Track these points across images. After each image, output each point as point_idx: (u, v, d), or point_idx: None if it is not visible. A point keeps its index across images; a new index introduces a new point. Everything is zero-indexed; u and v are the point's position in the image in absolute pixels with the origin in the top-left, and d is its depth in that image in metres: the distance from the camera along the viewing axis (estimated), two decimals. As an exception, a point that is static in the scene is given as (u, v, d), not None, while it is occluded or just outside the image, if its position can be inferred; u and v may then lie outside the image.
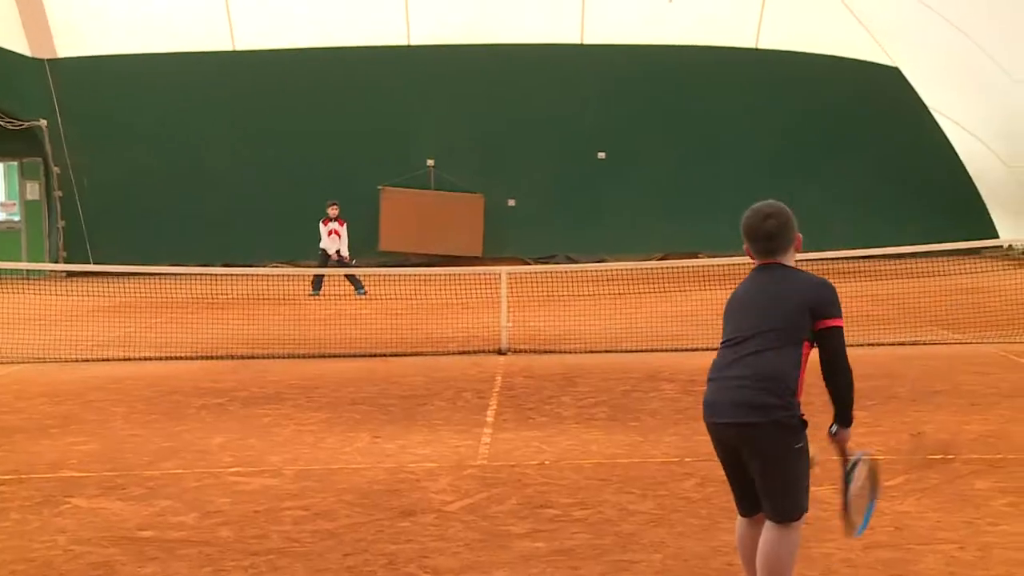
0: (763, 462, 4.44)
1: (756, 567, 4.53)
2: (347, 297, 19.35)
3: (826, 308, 4.47)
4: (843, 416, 4.53)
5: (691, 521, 6.21)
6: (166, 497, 6.91)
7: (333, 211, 20.81)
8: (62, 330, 14.96)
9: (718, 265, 17.62)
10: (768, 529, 4.50)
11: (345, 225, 20.91)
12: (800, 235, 4.63)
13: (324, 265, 20.49)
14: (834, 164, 26.16)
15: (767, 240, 4.60)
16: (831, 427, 4.57)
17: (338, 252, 20.66)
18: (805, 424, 4.44)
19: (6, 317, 15.37)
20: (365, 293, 19.69)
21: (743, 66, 26.07)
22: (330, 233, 20.82)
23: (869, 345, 12.73)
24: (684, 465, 7.52)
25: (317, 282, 20.29)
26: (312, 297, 19.83)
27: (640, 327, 14.50)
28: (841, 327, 4.49)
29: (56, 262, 25.78)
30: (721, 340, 4.62)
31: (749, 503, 4.59)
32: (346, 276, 20.13)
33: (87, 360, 13.24)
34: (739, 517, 4.67)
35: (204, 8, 25.77)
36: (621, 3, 25.82)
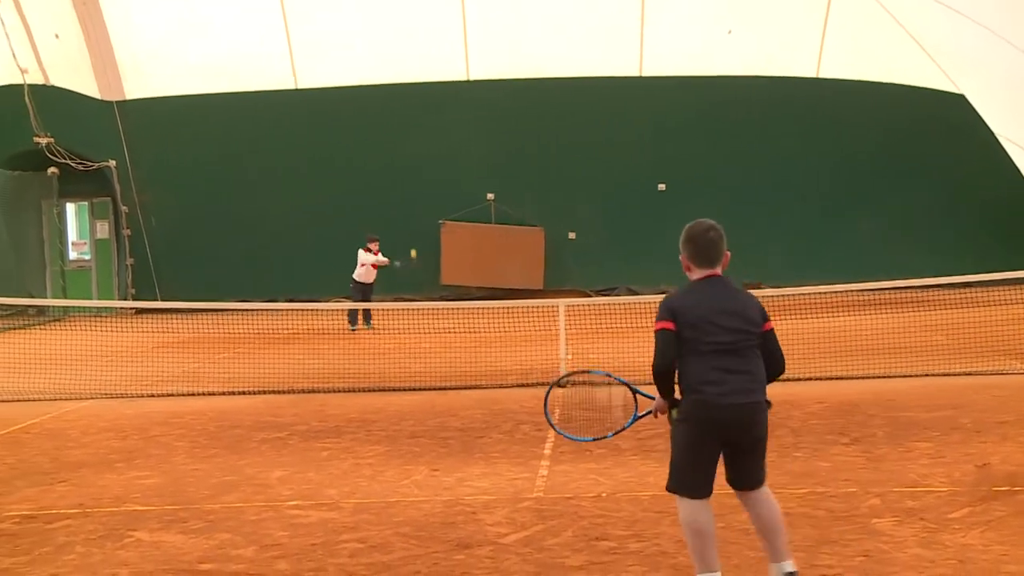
0: (757, 440, 5.25)
1: (770, 529, 5.29)
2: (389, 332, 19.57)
3: (765, 314, 5.30)
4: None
5: (747, 553, 6.16)
6: (226, 530, 6.98)
7: (374, 245, 21.31)
8: (129, 366, 15.19)
9: (779, 296, 17.53)
10: (767, 491, 5.33)
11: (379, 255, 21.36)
12: (729, 252, 5.35)
13: (358, 297, 20.86)
14: (897, 193, 25.88)
15: (711, 247, 5.33)
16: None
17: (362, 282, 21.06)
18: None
19: (76, 354, 15.64)
20: (356, 328, 19.95)
21: (803, 96, 25.92)
22: (374, 265, 21.19)
23: (934, 375, 12.56)
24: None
25: (367, 314, 20.59)
26: (366, 330, 20.03)
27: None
28: (773, 328, 5.33)
29: (125, 299, 26.21)
30: (699, 346, 5.21)
31: (710, 486, 5.25)
32: (363, 310, 20.34)
33: (152, 395, 13.42)
34: (700, 502, 5.24)
35: (267, 48, 26.16)
36: (680, 35, 25.82)
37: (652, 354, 5.33)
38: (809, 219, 26.22)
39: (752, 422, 5.22)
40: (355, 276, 21.19)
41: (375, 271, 21.22)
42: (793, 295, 16.82)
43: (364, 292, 21.10)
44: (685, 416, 5.30)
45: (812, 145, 26.00)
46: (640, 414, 6.03)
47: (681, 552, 6.21)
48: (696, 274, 5.36)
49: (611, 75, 26.12)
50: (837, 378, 12.93)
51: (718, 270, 5.33)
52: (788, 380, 12.80)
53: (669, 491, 5.36)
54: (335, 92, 26.28)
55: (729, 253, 5.35)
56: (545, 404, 6.47)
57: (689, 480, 5.27)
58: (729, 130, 26.25)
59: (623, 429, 6.21)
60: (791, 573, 5.29)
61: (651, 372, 5.40)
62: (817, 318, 16.39)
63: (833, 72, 25.91)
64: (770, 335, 5.32)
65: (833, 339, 14.90)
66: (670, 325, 5.27)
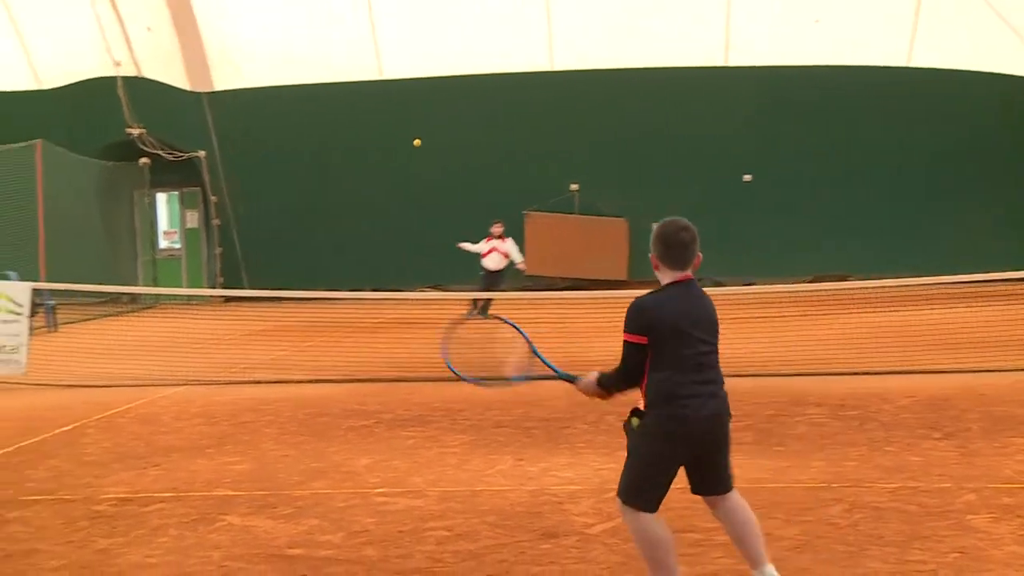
0: (724, 446, 5.22)
1: (745, 534, 5.22)
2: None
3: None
4: None
5: (836, 548, 6.09)
6: (314, 516, 7.06)
7: (496, 229, 21.04)
8: (218, 353, 15.43)
9: (869, 288, 17.28)
10: (737, 495, 5.28)
11: (507, 242, 21.10)
12: (701, 255, 5.16)
13: (486, 286, 20.62)
14: (993, 184, 25.35)
15: (683, 248, 5.09)
16: None
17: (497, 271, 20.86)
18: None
19: (167, 341, 15.93)
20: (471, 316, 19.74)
21: (894, 85, 25.48)
22: (488, 252, 20.98)
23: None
24: (831, 491, 7.38)
25: (484, 305, 20.37)
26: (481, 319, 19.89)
27: (787, 351, 14.28)
28: None
29: (214, 287, 26.64)
30: (675, 358, 5.02)
31: (662, 500, 5.10)
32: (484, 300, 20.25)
33: (241, 382, 13.62)
34: (654, 515, 5.07)
35: (353, 40, 26.39)
36: (767, 24, 25.55)
37: (619, 363, 5.21)
38: (898, 210, 25.79)
39: (724, 432, 5.21)
40: (482, 263, 21.03)
41: (501, 258, 20.87)
42: (882, 287, 16.57)
43: (487, 280, 20.83)
44: (655, 430, 5.06)
45: (905, 134, 25.57)
46: (533, 376, 5.95)
47: (768, 545, 6.14)
48: (667, 276, 5.14)
49: (697, 65, 25.92)
50: (928, 372, 12.71)
51: (689, 272, 5.14)
52: (878, 373, 12.68)
53: (624, 502, 5.11)
54: (419, 83, 26.42)
55: (701, 255, 5.16)
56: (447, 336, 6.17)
57: (648, 495, 5.07)
58: (817, 120, 25.91)
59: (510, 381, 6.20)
60: None
61: (613, 382, 5.31)
62: (907, 310, 16.14)
63: (926, 61, 25.44)
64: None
65: (923, 332, 14.66)
66: (643, 339, 5.05)
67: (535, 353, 5.96)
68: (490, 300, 19.96)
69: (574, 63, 26.23)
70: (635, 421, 5.15)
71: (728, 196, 26.04)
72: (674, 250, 5.10)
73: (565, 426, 10.09)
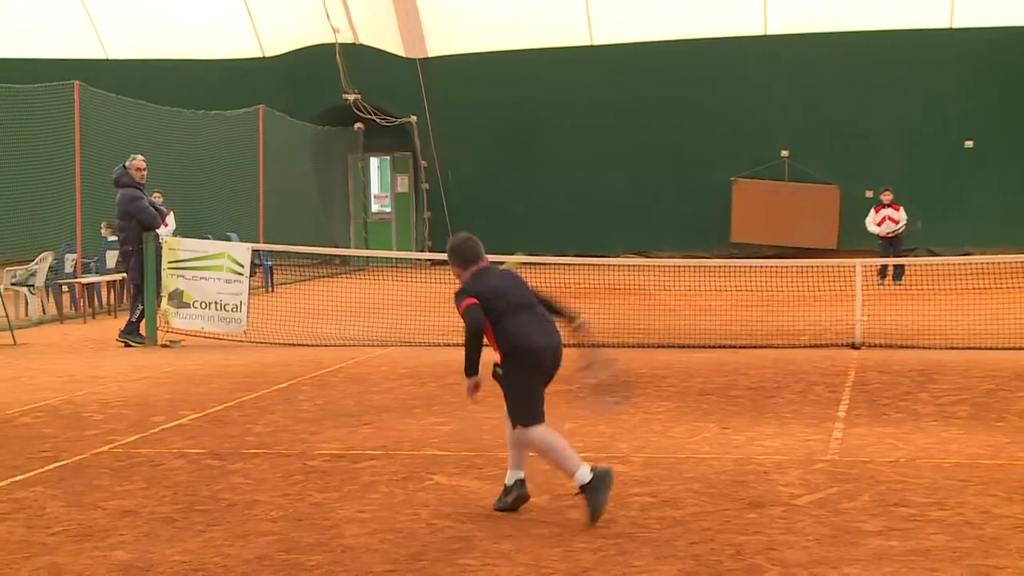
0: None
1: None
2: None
3: None
4: None
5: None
6: (520, 477, 7.14)
7: (887, 197, 21.07)
8: (427, 315, 15.74)
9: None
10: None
11: (899, 210, 21.09)
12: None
13: (886, 252, 20.77)
14: None
15: (472, 250, 6.67)
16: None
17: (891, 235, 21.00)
18: None
19: (378, 302, 16.36)
20: (900, 283, 19.60)
21: None
22: (881, 220, 21.08)
23: None
24: (1054, 470, 7.08)
25: (883, 270, 20.36)
26: (895, 286, 19.78)
27: (1010, 324, 13.70)
28: None
29: (422, 251, 27.19)
30: (505, 310, 6.41)
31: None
32: (894, 266, 20.14)
33: (448, 345, 13.87)
34: (544, 424, 6.41)
35: (564, 5, 26.40)
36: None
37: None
38: None
39: (557, 358, 6.68)
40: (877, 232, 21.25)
41: (893, 224, 21.00)
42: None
43: (885, 247, 20.98)
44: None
45: None
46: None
47: (987, 523, 5.95)
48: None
49: (916, 28, 24.95)
50: None
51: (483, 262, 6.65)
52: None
53: (524, 425, 6.34)
54: (629, 48, 26.26)
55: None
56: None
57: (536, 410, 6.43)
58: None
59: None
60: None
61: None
62: None
63: None
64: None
65: None
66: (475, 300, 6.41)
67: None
68: (900, 266, 19.94)
69: (787, 27, 25.60)
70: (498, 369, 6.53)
71: (947, 163, 25.06)
72: (468, 252, 6.65)
73: (771, 395, 9.94)
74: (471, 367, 6.40)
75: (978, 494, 6.54)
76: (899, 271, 20.08)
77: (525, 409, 6.39)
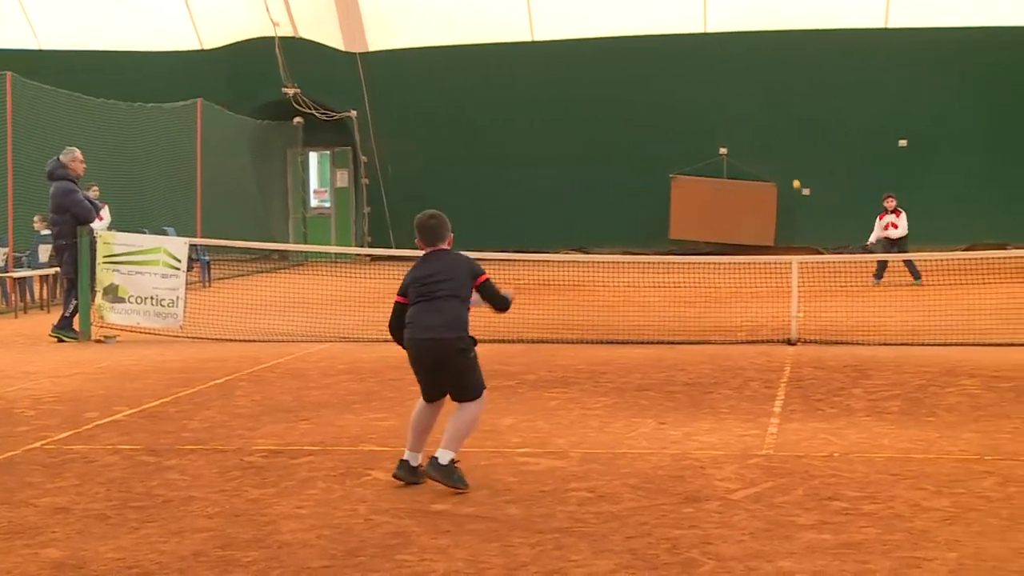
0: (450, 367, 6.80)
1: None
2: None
3: (478, 273, 6.89)
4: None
5: (990, 521, 5.94)
6: (458, 473, 7.15)
7: (889, 203, 21.00)
8: (365, 311, 15.69)
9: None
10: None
11: (901, 215, 20.93)
12: (452, 235, 6.98)
13: (886, 251, 20.62)
14: None
15: (430, 231, 6.93)
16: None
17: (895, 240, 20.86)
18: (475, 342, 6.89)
19: (317, 298, 16.28)
20: (920, 282, 19.35)
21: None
22: (886, 227, 20.94)
23: None
24: (983, 463, 7.20)
25: (878, 271, 20.17)
26: (915, 285, 19.36)
27: (940, 320, 13.92)
28: (489, 279, 6.89)
29: (362, 246, 27.10)
30: (414, 299, 6.80)
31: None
32: (904, 262, 19.99)
33: (387, 340, 13.80)
34: (421, 401, 6.94)
35: (505, 0, 26.41)
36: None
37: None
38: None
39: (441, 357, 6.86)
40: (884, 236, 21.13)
41: (893, 230, 20.88)
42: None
43: (890, 250, 20.73)
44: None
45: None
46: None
47: (917, 516, 6.05)
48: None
49: (852, 27, 25.28)
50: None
51: (440, 245, 6.95)
52: (1018, 344, 12.28)
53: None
54: (570, 44, 26.35)
55: (452, 235, 6.99)
56: None
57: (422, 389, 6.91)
58: (977, 84, 25.06)
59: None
60: (433, 457, 6.72)
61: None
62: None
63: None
64: (482, 286, 6.98)
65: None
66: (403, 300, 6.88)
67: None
68: (912, 264, 19.77)
69: (726, 25, 25.81)
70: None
71: (881, 162, 25.41)
72: (424, 233, 6.92)
73: (708, 391, 10.02)
74: None
75: (909, 488, 6.65)
76: (913, 271, 19.79)
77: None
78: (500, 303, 7.03)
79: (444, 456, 6.68)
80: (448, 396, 6.88)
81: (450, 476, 6.65)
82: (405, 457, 6.86)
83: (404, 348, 6.88)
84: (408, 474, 6.83)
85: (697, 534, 5.82)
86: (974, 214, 24.80)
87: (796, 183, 22.91)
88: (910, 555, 5.42)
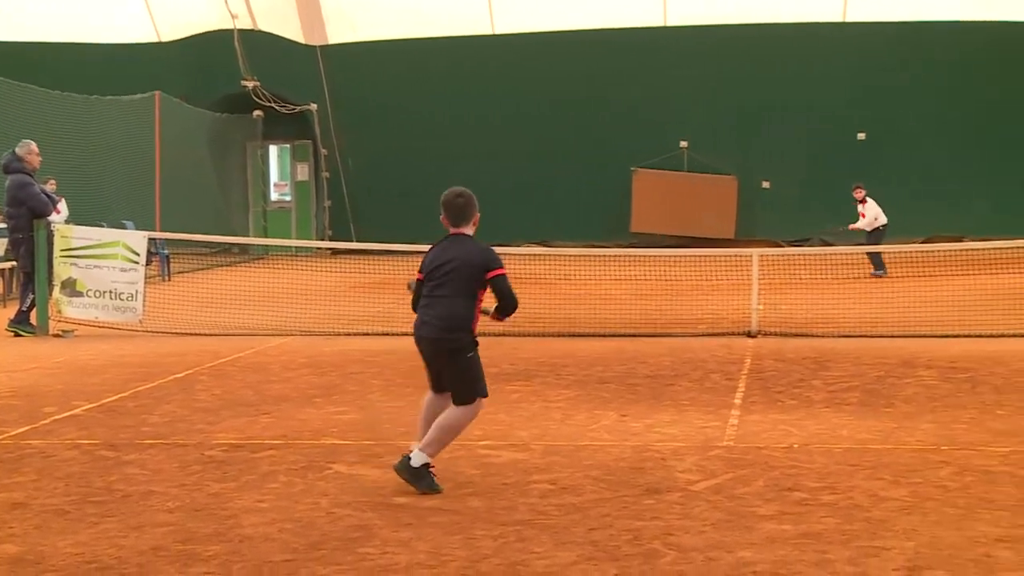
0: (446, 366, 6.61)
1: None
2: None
3: (493, 266, 6.51)
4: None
5: (947, 510, 6.01)
6: (420, 466, 7.14)
7: (857, 194, 21.12)
8: (326, 304, 15.65)
9: (984, 250, 16.91)
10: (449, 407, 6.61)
11: (867, 205, 21.15)
12: (478, 214, 6.63)
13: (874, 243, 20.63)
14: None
15: (454, 211, 6.59)
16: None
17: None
18: (475, 343, 6.61)
19: (276, 291, 16.21)
20: (884, 273, 19.43)
21: (1016, 41, 24.72)
22: (861, 215, 21.18)
23: None
24: (940, 453, 7.28)
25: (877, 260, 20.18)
26: (880, 276, 19.54)
27: (898, 312, 14.05)
28: (504, 275, 6.53)
29: (322, 239, 26.99)
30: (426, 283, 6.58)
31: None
32: (867, 254, 20.02)
33: (348, 334, 13.82)
34: (429, 393, 6.78)
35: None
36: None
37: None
38: (1017, 170, 25.08)
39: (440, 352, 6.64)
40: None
41: (862, 219, 21.14)
42: (998, 248, 16.19)
43: (870, 240, 20.92)
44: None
45: (1017, 93, 24.81)
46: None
47: (876, 506, 6.11)
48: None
49: (812, 21, 25.43)
50: (1044, 336, 12.43)
51: (463, 228, 6.64)
52: (992, 336, 12.41)
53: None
54: (531, 38, 26.36)
55: (478, 215, 6.68)
56: None
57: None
58: (935, 78, 25.28)
59: None
60: (407, 456, 6.47)
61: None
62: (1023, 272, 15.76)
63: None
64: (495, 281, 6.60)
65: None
66: (420, 276, 6.66)
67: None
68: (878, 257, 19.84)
69: (686, 19, 25.92)
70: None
71: (840, 155, 25.58)
72: (449, 211, 6.59)
73: (669, 383, 10.07)
74: None
75: (867, 478, 6.71)
76: (876, 262, 19.91)
77: None
78: (508, 301, 6.67)
79: (418, 458, 6.46)
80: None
81: (419, 480, 6.43)
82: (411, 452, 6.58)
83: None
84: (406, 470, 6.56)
85: (659, 525, 5.85)
86: (932, 207, 25.01)
87: (765, 184, 23.13)
88: (868, 544, 5.47)
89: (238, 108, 27.21)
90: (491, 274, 6.53)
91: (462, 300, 6.53)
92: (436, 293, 6.53)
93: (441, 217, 6.63)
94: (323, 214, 27.90)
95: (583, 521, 5.96)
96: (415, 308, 6.70)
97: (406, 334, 13.32)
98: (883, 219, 21.25)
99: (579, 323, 14.06)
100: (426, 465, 6.44)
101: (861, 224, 21.25)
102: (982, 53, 24.85)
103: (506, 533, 5.77)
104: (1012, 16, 24.72)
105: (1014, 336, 12.46)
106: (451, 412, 6.56)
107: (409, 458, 6.46)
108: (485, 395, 6.66)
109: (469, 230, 6.65)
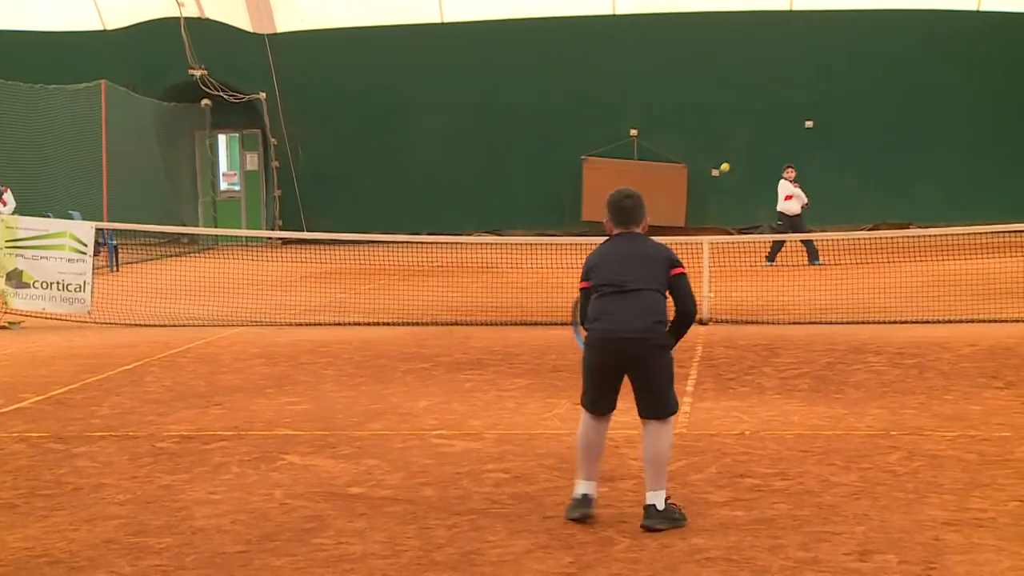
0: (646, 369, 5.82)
1: (646, 462, 5.84)
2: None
3: (676, 263, 5.89)
4: None
5: (896, 495, 6.08)
6: (373, 456, 7.14)
7: (789, 173, 20.66)
8: (277, 295, 15.57)
9: (931, 236, 17.09)
10: (654, 427, 5.83)
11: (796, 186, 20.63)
12: (648, 217, 6.04)
13: (787, 231, 20.18)
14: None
15: (619, 213, 5.98)
16: None
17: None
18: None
19: (227, 282, 16.09)
20: (820, 263, 19.00)
21: (962, 29, 25.01)
22: (787, 197, 20.58)
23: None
24: (889, 438, 7.36)
25: (811, 251, 19.59)
26: (815, 266, 18.92)
27: (847, 299, 14.18)
28: (686, 274, 5.90)
29: (272, 229, 26.81)
30: (597, 286, 5.86)
31: (598, 404, 5.92)
32: (802, 242, 19.60)
33: (300, 324, 13.76)
34: (590, 414, 5.92)
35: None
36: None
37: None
38: (961, 157, 25.39)
39: (639, 355, 5.79)
40: (780, 209, 20.68)
41: (796, 202, 20.47)
42: (944, 235, 16.38)
43: (793, 225, 20.42)
44: (587, 343, 5.97)
45: (968, 80, 25.13)
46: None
47: (826, 491, 6.17)
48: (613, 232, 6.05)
49: (760, 9, 25.61)
50: (990, 321, 12.60)
51: (634, 228, 6.01)
52: (939, 322, 12.57)
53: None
54: (480, 26, 26.32)
55: (648, 218, 6.06)
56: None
57: (586, 397, 6.00)
58: (881, 66, 25.52)
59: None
60: (650, 505, 5.65)
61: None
62: (970, 259, 15.95)
63: (994, 4, 24.92)
64: (675, 281, 5.89)
65: (986, 281, 14.48)
66: (586, 284, 6.00)
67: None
68: (811, 245, 19.39)
69: (635, 7, 25.98)
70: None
71: (788, 143, 25.75)
72: (614, 215, 5.99)
73: (622, 371, 10.09)
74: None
75: (818, 464, 6.78)
76: (812, 251, 19.44)
77: (582, 390, 6.03)
78: (688, 305, 5.87)
79: (658, 499, 5.67)
80: (613, 410, 5.95)
81: (674, 517, 5.66)
82: (582, 491, 5.82)
83: (589, 339, 5.90)
84: (588, 508, 5.79)
85: (612, 513, 5.87)
86: (879, 195, 25.28)
87: (725, 166, 23.13)
88: (820, 529, 5.53)
89: (186, 97, 26.95)
90: (675, 271, 5.85)
91: (657, 295, 5.81)
92: (627, 288, 5.75)
93: (605, 221, 6.01)
94: (273, 203, 27.71)
95: (537, 510, 5.97)
96: (584, 321, 5.96)
97: (358, 324, 13.41)
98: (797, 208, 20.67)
99: (532, 312, 14.07)
100: (667, 499, 5.70)
101: (795, 203, 20.53)
102: (927, 41, 25.11)
103: (460, 523, 5.78)
104: (952, 5, 25.01)
105: (961, 322, 12.62)
106: (656, 439, 5.78)
107: (652, 506, 5.65)
108: (677, 409, 5.99)
109: (639, 230, 6.00)
